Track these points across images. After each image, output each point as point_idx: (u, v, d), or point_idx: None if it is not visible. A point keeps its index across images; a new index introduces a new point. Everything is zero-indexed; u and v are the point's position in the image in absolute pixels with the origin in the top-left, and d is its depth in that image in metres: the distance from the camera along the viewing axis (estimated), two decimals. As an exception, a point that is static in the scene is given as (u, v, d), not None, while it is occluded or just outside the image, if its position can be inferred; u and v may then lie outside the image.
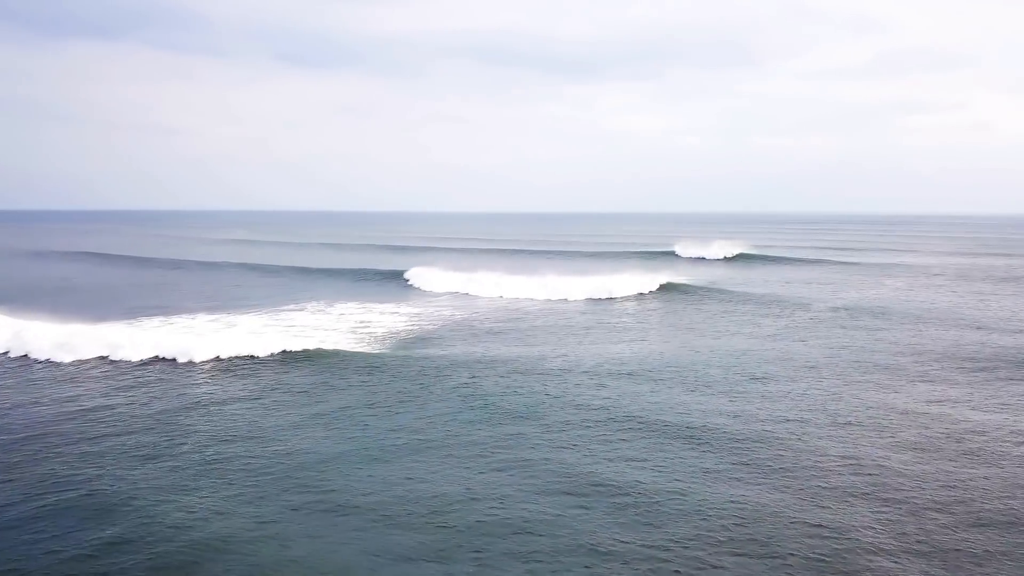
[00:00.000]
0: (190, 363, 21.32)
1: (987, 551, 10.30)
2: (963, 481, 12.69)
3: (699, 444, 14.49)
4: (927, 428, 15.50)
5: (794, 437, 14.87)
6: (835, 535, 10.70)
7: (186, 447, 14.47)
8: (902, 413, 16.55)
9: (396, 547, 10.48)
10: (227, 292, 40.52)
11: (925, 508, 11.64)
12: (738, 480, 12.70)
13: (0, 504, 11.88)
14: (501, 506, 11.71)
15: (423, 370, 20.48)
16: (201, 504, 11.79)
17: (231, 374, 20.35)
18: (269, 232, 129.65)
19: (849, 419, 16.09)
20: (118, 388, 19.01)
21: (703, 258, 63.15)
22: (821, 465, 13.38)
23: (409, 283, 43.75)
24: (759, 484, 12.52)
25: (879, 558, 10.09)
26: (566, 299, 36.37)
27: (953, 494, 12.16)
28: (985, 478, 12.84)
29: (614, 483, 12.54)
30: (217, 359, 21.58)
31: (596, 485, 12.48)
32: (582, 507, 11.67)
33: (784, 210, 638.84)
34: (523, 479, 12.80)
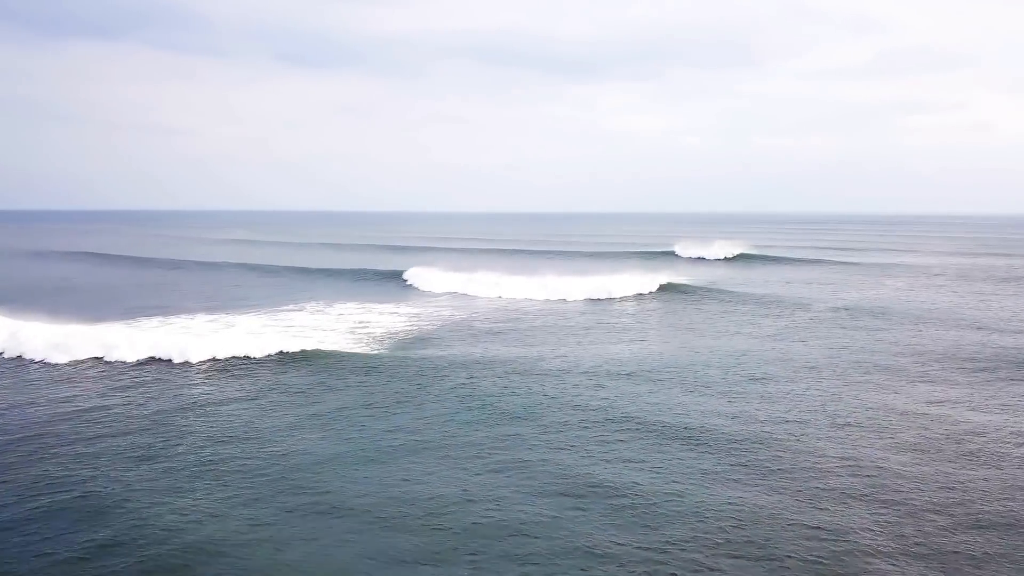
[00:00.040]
0: (186, 364, 21.26)
1: (986, 553, 10.22)
2: (962, 483, 12.61)
3: (697, 445, 14.41)
4: (927, 429, 15.42)
5: (793, 438, 14.79)
6: (833, 537, 10.62)
7: (181, 448, 14.39)
8: (902, 414, 16.48)
9: (392, 549, 10.40)
10: (226, 292, 40.46)
11: (924, 510, 11.56)
12: (736, 482, 12.62)
13: (-7, 506, 11.81)
14: (498, 508, 11.63)
15: (421, 371, 20.41)
16: (195, 506, 11.72)
17: (228, 375, 20.28)
18: (269, 232, 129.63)
19: (848, 420, 16.02)
20: (114, 389, 18.93)
21: (703, 258, 63.09)
22: (820, 467, 13.30)
23: (408, 283, 43.71)
24: (757, 486, 12.45)
25: (877, 560, 10.01)
26: (565, 299, 36.30)
27: (952, 496, 12.09)
28: (985, 480, 12.76)
29: (611, 485, 12.47)
30: (214, 360, 21.51)
31: (593, 487, 12.41)
32: (579, 509, 11.59)
33: (784, 210, 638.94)
34: (520, 480, 12.73)
